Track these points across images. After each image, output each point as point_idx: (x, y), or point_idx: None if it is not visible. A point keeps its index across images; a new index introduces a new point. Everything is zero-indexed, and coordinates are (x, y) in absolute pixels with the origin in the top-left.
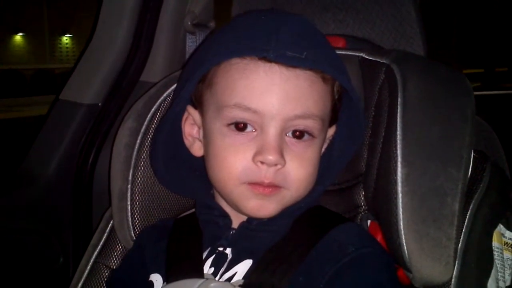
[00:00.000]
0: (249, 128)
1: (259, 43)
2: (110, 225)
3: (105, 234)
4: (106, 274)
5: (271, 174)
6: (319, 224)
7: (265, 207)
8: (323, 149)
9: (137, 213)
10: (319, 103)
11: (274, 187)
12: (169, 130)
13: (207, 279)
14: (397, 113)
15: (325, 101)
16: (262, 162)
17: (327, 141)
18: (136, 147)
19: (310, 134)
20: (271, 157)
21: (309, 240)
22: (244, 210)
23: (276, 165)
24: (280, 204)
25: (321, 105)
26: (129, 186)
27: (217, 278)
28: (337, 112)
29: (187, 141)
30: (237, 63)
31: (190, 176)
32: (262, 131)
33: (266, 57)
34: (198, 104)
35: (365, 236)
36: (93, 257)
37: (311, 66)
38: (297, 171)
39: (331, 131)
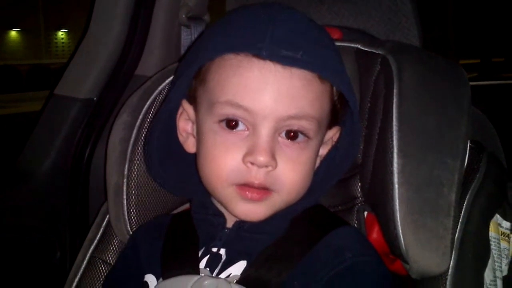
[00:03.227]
0: (240, 127)
1: (253, 39)
2: (106, 219)
3: (102, 229)
4: (103, 268)
5: (261, 175)
6: (317, 227)
7: (254, 211)
8: (325, 152)
9: (133, 207)
10: (315, 103)
11: (263, 191)
12: (164, 126)
13: (202, 275)
14: (393, 104)
15: (322, 101)
16: (252, 163)
17: (329, 144)
18: (131, 141)
19: (304, 135)
20: (261, 158)
21: (306, 242)
22: (232, 213)
23: (266, 166)
24: (271, 208)
25: (317, 106)
26: (124, 180)
27: None
28: (337, 113)
29: (181, 136)
30: (231, 59)
31: (185, 173)
32: (254, 130)
33: (259, 55)
34: (192, 100)
35: (363, 242)
36: (90, 251)
37: (306, 68)
38: (289, 174)
39: (332, 133)
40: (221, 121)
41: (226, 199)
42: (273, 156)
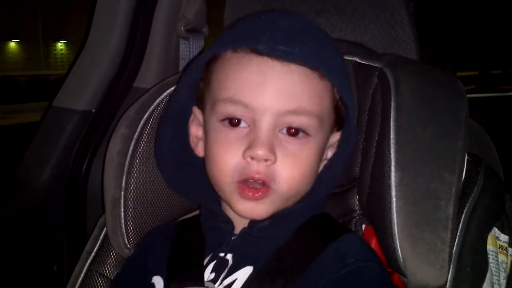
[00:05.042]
0: (242, 124)
1: (252, 36)
2: (103, 232)
3: (99, 242)
4: (100, 281)
5: (262, 169)
6: (322, 234)
7: (254, 209)
8: (329, 155)
9: (130, 220)
10: (315, 99)
11: (263, 191)
12: (176, 132)
13: (206, 287)
14: (390, 117)
15: (322, 98)
16: (251, 158)
17: (335, 147)
18: (129, 154)
19: (305, 132)
20: (260, 152)
21: (311, 250)
22: (236, 212)
23: (266, 160)
24: (272, 205)
25: (316, 102)
26: (122, 193)
27: (217, 284)
28: (341, 115)
29: (192, 142)
30: (231, 58)
31: (196, 179)
32: (254, 126)
33: (257, 50)
34: (200, 104)
35: (366, 248)
36: (87, 264)
37: (299, 61)
38: (288, 169)
39: (337, 136)
40: (223, 119)
41: (229, 197)
42: (272, 150)
